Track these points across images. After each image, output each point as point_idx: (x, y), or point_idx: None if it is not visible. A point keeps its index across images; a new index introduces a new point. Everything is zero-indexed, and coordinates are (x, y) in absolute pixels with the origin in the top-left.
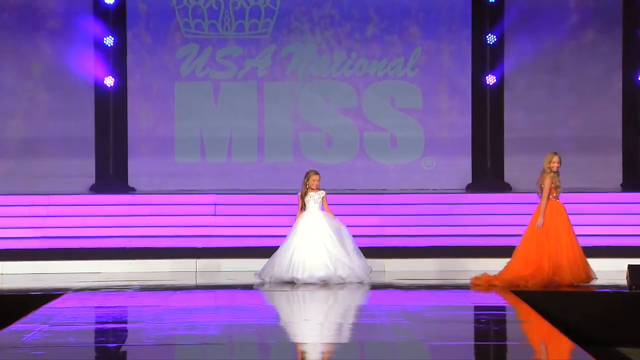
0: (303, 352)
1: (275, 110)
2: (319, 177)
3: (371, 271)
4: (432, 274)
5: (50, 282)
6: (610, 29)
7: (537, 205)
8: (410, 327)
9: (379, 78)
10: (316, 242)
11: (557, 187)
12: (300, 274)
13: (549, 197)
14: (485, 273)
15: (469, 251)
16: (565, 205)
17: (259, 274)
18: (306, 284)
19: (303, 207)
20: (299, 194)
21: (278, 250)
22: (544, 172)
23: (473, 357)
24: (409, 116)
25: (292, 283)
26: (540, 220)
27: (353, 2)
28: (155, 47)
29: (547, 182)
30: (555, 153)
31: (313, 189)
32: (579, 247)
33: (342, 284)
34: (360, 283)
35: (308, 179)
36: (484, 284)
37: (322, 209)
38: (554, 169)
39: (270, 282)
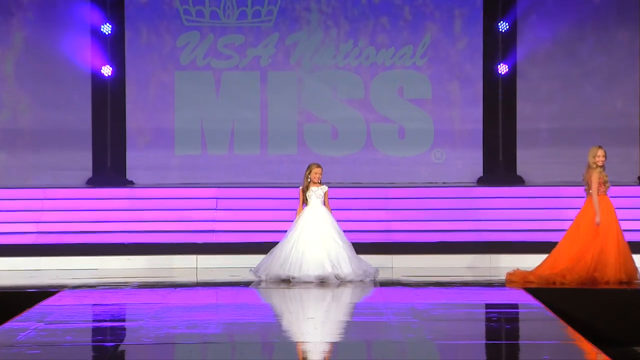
0: (307, 352)
1: (278, 101)
2: (322, 170)
3: (377, 272)
4: (442, 271)
5: (45, 279)
6: (629, 15)
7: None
8: (419, 326)
9: (386, 67)
10: (316, 239)
11: (605, 182)
12: (297, 272)
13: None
14: (518, 269)
15: (480, 247)
16: (581, 199)
17: (255, 271)
18: (303, 282)
19: (304, 202)
20: (301, 187)
21: (276, 247)
22: (589, 167)
23: (484, 356)
24: (417, 107)
25: (287, 281)
26: (597, 218)
27: None
28: (155, 35)
29: (594, 178)
30: (600, 147)
31: (315, 183)
32: (625, 245)
33: (339, 283)
34: (361, 282)
35: (310, 172)
36: (520, 280)
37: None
38: (600, 164)
39: (266, 280)
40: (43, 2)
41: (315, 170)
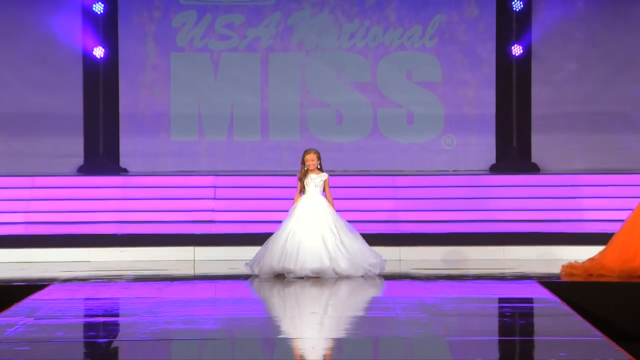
0: (310, 349)
1: (280, 84)
2: (316, 155)
3: (384, 264)
4: (452, 263)
5: (34, 272)
6: None
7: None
8: (428, 321)
9: (394, 49)
10: (313, 229)
11: None
12: (293, 265)
13: None
14: (573, 262)
15: (493, 238)
16: (600, 187)
17: (251, 265)
18: (298, 277)
19: (302, 191)
20: (298, 175)
21: (270, 238)
22: None
23: (497, 353)
24: (427, 90)
25: (282, 275)
26: None
27: None
28: (149, 15)
29: None
30: None
31: (313, 170)
32: None
33: (337, 278)
34: (363, 277)
35: (304, 159)
36: (582, 273)
37: (323, 194)
38: None
39: (259, 274)
40: None
41: (307, 157)
